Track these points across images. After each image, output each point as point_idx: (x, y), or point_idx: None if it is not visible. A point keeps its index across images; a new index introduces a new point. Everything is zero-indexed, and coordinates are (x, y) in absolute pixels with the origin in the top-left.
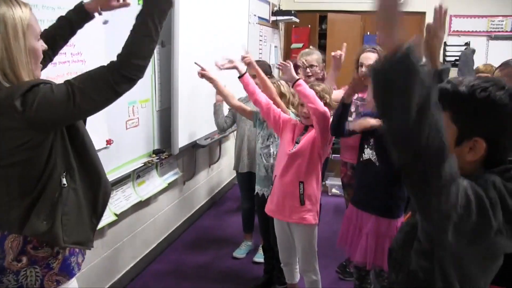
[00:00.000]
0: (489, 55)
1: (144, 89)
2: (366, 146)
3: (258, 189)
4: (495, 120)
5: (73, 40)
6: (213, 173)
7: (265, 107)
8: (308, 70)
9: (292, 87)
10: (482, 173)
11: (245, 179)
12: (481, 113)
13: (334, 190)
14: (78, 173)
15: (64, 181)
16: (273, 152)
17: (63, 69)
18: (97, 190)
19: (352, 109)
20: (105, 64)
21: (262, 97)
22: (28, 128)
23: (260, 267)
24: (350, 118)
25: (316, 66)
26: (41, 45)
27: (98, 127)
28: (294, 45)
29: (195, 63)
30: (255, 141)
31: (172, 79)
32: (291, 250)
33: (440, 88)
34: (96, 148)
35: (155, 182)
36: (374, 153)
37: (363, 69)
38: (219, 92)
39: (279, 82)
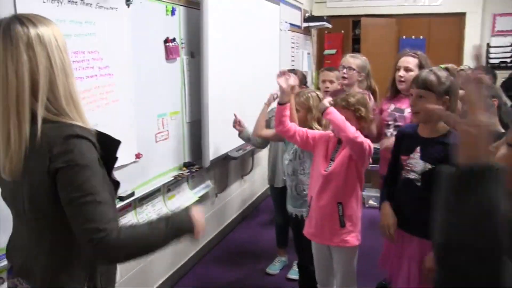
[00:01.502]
0: None
1: (174, 101)
2: (405, 166)
3: (289, 208)
4: None
5: (100, 54)
6: (245, 184)
7: (291, 133)
8: (345, 71)
9: (322, 115)
10: None
11: (279, 193)
12: None
13: (371, 202)
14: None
15: None
16: (301, 170)
17: (91, 83)
18: None
19: (390, 121)
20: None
21: (291, 125)
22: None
23: (295, 284)
24: (389, 130)
25: (355, 70)
26: None
27: (126, 141)
28: (327, 51)
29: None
30: None
31: (202, 90)
32: (329, 271)
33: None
34: (125, 162)
35: (186, 196)
36: (416, 174)
37: (400, 73)
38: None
39: (310, 94)
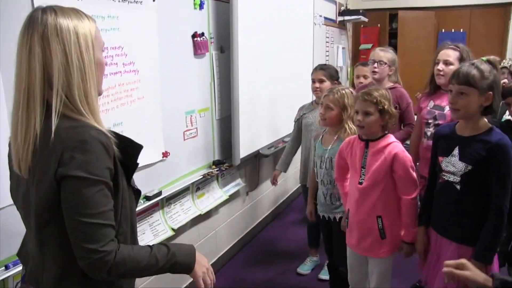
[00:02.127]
0: None
1: (203, 97)
2: (443, 167)
3: (320, 210)
4: None
5: (124, 50)
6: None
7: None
8: (376, 65)
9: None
10: None
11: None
12: None
13: None
14: (129, 238)
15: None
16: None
17: (115, 80)
18: None
19: (430, 120)
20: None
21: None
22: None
23: (326, 285)
24: (429, 129)
25: (386, 64)
26: (103, 58)
27: (153, 139)
28: (362, 46)
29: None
30: None
31: (232, 86)
32: (362, 275)
33: None
34: (152, 161)
35: (216, 194)
36: (456, 176)
37: (439, 66)
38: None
39: (344, 92)
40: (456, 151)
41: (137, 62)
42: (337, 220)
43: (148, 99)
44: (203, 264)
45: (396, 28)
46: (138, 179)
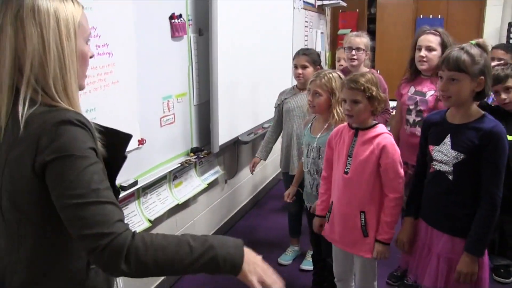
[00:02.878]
0: None
1: (181, 82)
2: (434, 157)
3: (306, 200)
4: None
5: (98, 30)
6: (256, 169)
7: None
8: (353, 52)
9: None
10: None
11: (290, 182)
12: None
13: None
14: None
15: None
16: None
17: None
18: None
19: (411, 106)
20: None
21: (326, 185)
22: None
23: (308, 275)
24: (410, 116)
25: (364, 50)
26: (89, 51)
27: (128, 126)
28: (341, 31)
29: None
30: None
31: (211, 70)
32: (347, 267)
33: None
34: (127, 149)
35: (194, 183)
36: (448, 166)
37: (422, 52)
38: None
39: (331, 75)
40: (447, 140)
41: (112, 44)
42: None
43: (123, 83)
44: (257, 263)
45: (374, 13)
46: None
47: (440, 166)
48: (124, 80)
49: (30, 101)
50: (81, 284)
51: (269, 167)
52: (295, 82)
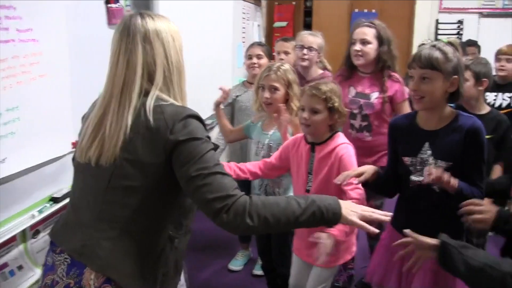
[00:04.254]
0: (480, 33)
1: None
2: (413, 170)
3: None
4: None
5: (19, 11)
6: None
7: (263, 170)
8: (305, 51)
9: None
10: None
11: (242, 185)
12: None
13: None
14: (184, 230)
15: (173, 235)
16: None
17: (7, 50)
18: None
19: (355, 110)
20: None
21: (253, 167)
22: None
23: (262, 281)
24: (355, 121)
25: (316, 51)
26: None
27: (60, 127)
28: (277, 24)
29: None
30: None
31: None
32: (305, 279)
33: None
34: (60, 154)
35: None
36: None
37: (357, 46)
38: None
39: (284, 67)
40: (426, 149)
41: (37, 29)
42: None
43: (52, 76)
44: (352, 207)
45: (310, 6)
46: (43, 176)
47: (422, 179)
48: (54, 73)
49: (158, 98)
50: (158, 256)
51: None
52: (235, 76)
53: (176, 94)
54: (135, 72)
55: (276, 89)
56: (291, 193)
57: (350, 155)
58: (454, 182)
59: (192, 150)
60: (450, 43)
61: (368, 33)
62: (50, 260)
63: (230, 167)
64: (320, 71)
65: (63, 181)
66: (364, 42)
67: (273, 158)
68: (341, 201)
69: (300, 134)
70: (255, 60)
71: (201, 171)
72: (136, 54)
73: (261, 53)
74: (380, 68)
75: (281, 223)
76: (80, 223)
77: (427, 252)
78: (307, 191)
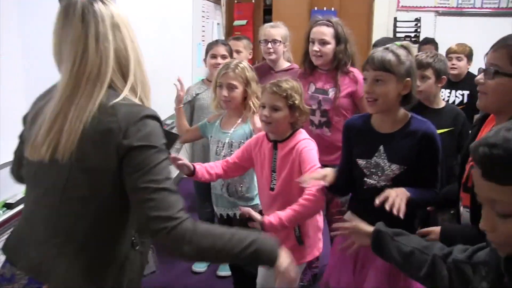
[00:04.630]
0: (437, 31)
1: None
2: (367, 173)
3: (217, 207)
4: None
5: None
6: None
7: (226, 170)
8: (270, 45)
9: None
10: None
11: (201, 184)
12: None
13: None
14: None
15: (135, 241)
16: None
17: None
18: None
19: (314, 106)
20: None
21: (217, 168)
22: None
23: (226, 282)
24: (315, 117)
25: (280, 42)
26: None
27: (14, 129)
28: (236, 22)
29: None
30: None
31: None
32: (271, 276)
33: (483, 156)
34: (3, 161)
35: None
36: (386, 180)
37: (315, 47)
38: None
39: (242, 65)
40: (381, 152)
41: None
42: (238, 217)
43: (5, 77)
44: (288, 260)
45: (270, 4)
46: None
47: (376, 181)
48: (6, 73)
49: (113, 95)
50: (121, 265)
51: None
52: (195, 76)
53: (137, 88)
54: (107, 61)
55: (234, 87)
56: (254, 192)
57: (310, 149)
58: (403, 206)
59: (144, 159)
60: (403, 46)
61: (327, 33)
62: (8, 272)
63: (201, 172)
64: (288, 64)
65: (17, 187)
66: (323, 42)
67: (235, 157)
68: (281, 250)
69: (262, 133)
70: (220, 60)
71: (150, 184)
72: (108, 41)
73: (226, 53)
74: (335, 65)
75: (218, 257)
76: (35, 239)
77: (363, 238)
78: (271, 189)
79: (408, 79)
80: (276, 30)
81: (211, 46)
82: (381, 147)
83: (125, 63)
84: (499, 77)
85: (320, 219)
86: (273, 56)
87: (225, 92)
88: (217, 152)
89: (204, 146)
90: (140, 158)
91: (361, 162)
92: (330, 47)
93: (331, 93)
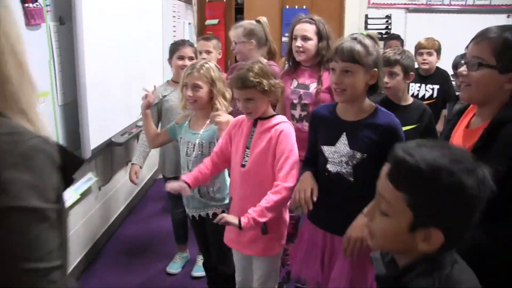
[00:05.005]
0: (407, 28)
1: (42, 79)
2: (330, 159)
3: (189, 208)
4: (456, 210)
5: None
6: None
7: (217, 164)
8: (236, 46)
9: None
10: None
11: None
12: (444, 201)
13: None
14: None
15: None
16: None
17: None
18: None
19: (295, 100)
20: None
21: (208, 164)
22: None
23: (201, 282)
24: (295, 111)
25: (246, 41)
26: None
27: None
28: (208, 22)
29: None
30: None
31: (77, 65)
32: (250, 273)
33: (395, 158)
34: None
35: (66, 195)
36: (347, 167)
37: (298, 43)
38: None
39: (207, 65)
40: (343, 139)
41: None
42: (210, 217)
43: None
44: None
45: (242, 3)
46: None
47: (338, 168)
48: None
49: None
50: None
51: (144, 167)
52: (167, 76)
53: (15, 103)
54: None
55: (199, 87)
56: (226, 192)
57: (289, 133)
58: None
59: (19, 229)
60: (369, 36)
61: (309, 29)
62: None
63: (196, 182)
64: (262, 58)
65: None
66: (305, 38)
67: (223, 146)
68: None
69: (241, 116)
70: (187, 62)
71: (22, 264)
72: None
73: (193, 54)
74: (318, 62)
75: None
76: None
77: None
78: (243, 165)
79: (375, 69)
80: (236, 30)
81: (177, 47)
82: (344, 134)
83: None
84: (482, 69)
85: (286, 212)
86: (238, 56)
87: (189, 92)
88: (188, 153)
89: (176, 148)
90: (15, 225)
91: (325, 148)
92: (312, 43)
93: (312, 88)
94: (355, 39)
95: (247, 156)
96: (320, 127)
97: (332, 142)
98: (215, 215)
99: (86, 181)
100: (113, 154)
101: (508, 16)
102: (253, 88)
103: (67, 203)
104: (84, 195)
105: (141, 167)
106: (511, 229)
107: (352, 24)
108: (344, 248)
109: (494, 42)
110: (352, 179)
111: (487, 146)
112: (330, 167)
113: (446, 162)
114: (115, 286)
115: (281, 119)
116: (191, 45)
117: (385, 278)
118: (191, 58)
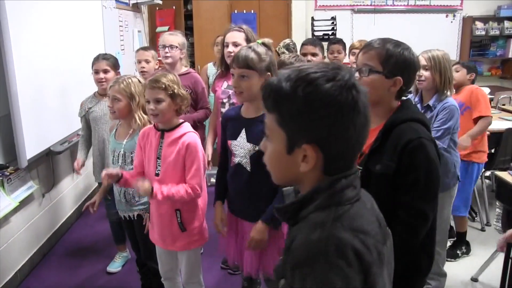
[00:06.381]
0: (354, 28)
1: None
2: (234, 151)
3: (120, 212)
4: (321, 121)
5: None
6: (78, 178)
7: (140, 173)
8: (167, 50)
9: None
10: (326, 182)
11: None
12: (306, 113)
13: (213, 180)
14: None
15: None
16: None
17: None
18: None
19: (225, 99)
20: None
21: (134, 173)
22: None
23: (136, 278)
24: (223, 109)
25: (177, 48)
26: None
27: None
28: (159, 29)
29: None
30: None
31: (7, 78)
32: (172, 264)
33: (266, 84)
34: None
35: (2, 203)
36: (246, 158)
37: (229, 48)
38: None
39: (130, 80)
40: (243, 134)
41: None
42: (135, 218)
43: None
44: None
45: (191, 9)
46: None
47: (239, 159)
48: None
49: None
50: None
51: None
52: (98, 89)
53: None
54: None
55: (118, 99)
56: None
57: (195, 143)
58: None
59: None
60: (264, 44)
61: (238, 36)
62: None
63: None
64: (185, 68)
65: None
66: (236, 44)
67: (140, 158)
68: None
69: (148, 126)
70: (102, 75)
71: None
72: None
73: (107, 67)
74: None
75: None
76: None
77: None
78: (157, 174)
79: (269, 73)
80: (174, 37)
81: (93, 62)
82: (243, 130)
83: None
84: (372, 74)
85: (203, 209)
86: (169, 60)
87: (109, 103)
88: (113, 162)
89: (101, 155)
90: None
91: (230, 142)
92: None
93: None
94: (250, 47)
95: (159, 165)
96: (227, 126)
97: (235, 137)
98: (139, 216)
99: (26, 188)
100: (56, 162)
101: (446, 16)
102: (163, 89)
103: (5, 211)
104: (25, 202)
105: (84, 160)
106: (403, 222)
107: (299, 27)
108: (248, 246)
109: (379, 52)
110: (249, 169)
111: (382, 146)
112: (234, 158)
113: (303, 74)
114: (58, 285)
115: (185, 129)
116: (106, 58)
117: (282, 209)
118: (105, 71)
